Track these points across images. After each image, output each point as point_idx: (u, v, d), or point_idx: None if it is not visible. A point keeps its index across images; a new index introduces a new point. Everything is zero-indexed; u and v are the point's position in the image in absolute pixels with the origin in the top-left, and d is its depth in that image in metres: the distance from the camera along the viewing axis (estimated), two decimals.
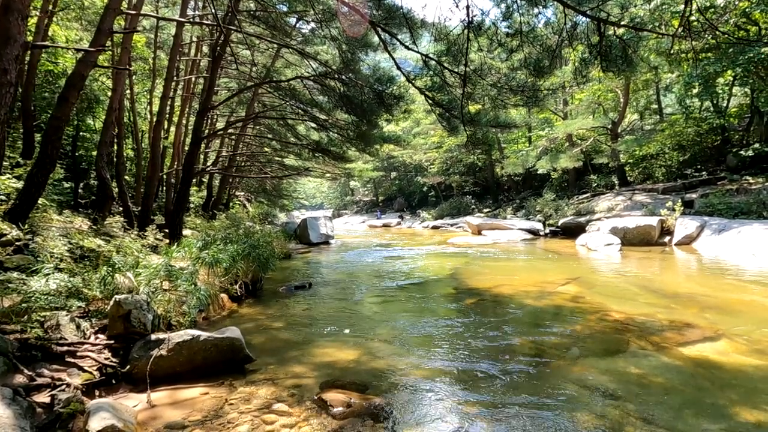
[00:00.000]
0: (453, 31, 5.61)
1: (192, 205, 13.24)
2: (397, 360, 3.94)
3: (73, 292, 3.84)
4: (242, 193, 23.36)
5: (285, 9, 9.48)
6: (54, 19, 8.67)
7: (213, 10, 6.93)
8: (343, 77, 8.30)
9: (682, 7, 7.55)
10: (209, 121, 14.60)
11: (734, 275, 7.37)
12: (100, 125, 9.14)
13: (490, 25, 5.58)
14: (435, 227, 24.67)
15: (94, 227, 6.25)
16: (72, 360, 3.20)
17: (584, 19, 4.93)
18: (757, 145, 13.44)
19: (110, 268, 4.28)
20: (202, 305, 5.00)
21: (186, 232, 8.93)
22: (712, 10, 11.76)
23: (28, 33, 6.84)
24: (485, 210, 25.84)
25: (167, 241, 7.25)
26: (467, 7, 4.86)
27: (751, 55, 11.47)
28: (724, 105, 16.02)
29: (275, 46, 11.40)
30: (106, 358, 3.34)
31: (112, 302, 3.58)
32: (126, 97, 10.01)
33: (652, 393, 3.16)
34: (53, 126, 5.06)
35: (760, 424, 2.71)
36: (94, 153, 8.35)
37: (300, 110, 11.11)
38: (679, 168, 17.01)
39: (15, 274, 3.68)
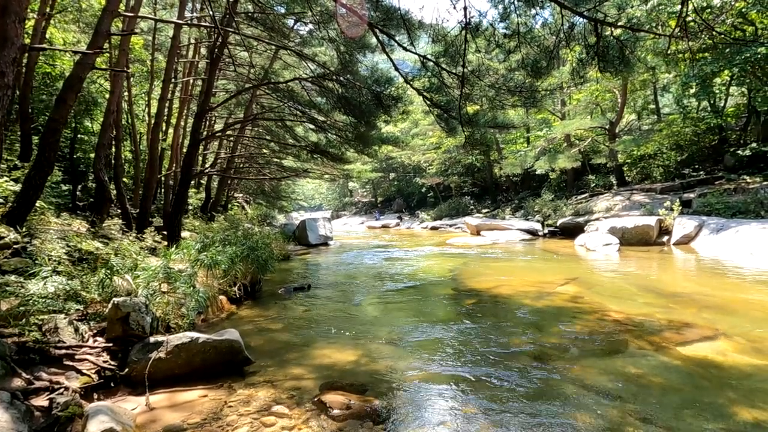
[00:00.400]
0: (450, 32, 5.62)
1: (190, 207, 13.22)
2: (397, 362, 3.94)
3: (72, 295, 3.83)
4: (241, 195, 23.33)
5: (283, 11, 9.48)
6: (51, 21, 8.65)
7: (211, 12, 6.92)
8: (341, 79, 8.29)
9: (678, 7, 7.58)
10: (207, 122, 14.59)
11: (732, 275, 7.39)
12: (98, 127, 9.12)
13: (487, 26, 5.59)
14: (434, 228, 24.67)
15: (92, 229, 6.23)
16: (70, 363, 3.19)
17: (581, 20, 4.95)
18: (754, 145, 13.49)
19: (108, 271, 4.27)
20: (201, 307, 4.99)
21: (184, 234, 8.90)
22: (709, 10, 11.81)
23: (26, 35, 6.83)
24: (484, 210, 25.86)
25: (166, 243, 7.23)
26: (465, 8, 4.88)
27: (748, 55, 11.53)
28: (722, 105, 16.08)
29: (273, 47, 11.40)
30: (104, 361, 3.34)
31: (110, 305, 3.57)
32: (124, 99, 9.99)
33: (651, 393, 3.17)
34: (51, 128, 5.05)
35: (759, 423, 2.72)
36: (92, 155, 8.32)
37: (298, 112, 11.09)
38: (677, 168, 17.06)
39: (13, 277, 3.67)
